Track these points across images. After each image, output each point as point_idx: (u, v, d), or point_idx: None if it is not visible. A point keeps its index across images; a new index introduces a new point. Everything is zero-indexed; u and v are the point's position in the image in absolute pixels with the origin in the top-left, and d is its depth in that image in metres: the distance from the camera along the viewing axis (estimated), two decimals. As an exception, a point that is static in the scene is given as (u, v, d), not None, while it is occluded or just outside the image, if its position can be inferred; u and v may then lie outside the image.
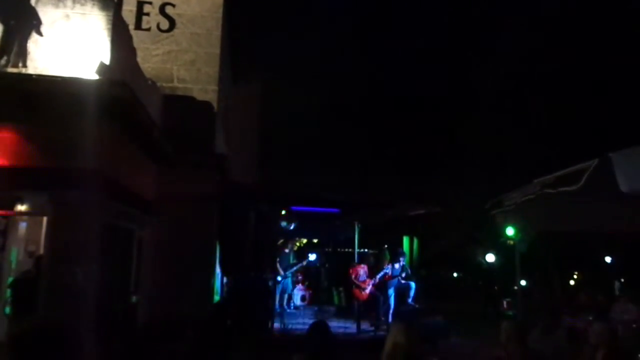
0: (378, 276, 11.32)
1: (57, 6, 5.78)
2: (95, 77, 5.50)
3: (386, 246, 12.19)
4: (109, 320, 5.79)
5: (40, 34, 5.66)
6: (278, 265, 11.58)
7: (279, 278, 11.59)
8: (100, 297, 5.46)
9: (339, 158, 25.04)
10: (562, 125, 21.30)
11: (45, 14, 5.74)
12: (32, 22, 5.64)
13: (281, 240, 12.31)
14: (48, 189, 5.46)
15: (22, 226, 8.01)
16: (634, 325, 7.96)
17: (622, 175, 2.89)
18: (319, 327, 3.58)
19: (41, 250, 6.69)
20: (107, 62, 5.67)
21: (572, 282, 25.35)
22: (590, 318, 8.90)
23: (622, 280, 21.74)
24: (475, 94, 24.65)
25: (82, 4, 5.84)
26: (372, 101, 27.31)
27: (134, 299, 7.41)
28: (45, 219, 6.02)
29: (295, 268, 12.53)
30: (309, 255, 13.35)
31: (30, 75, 5.38)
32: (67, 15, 5.80)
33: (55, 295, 5.22)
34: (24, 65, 5.54)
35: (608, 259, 25.15)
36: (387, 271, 11.34)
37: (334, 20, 28.10)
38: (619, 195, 3.09)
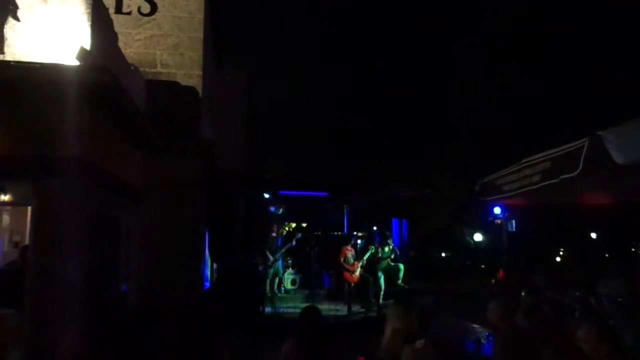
0: (365, 257, 11.43)
1: (33, -10, 5.61)
2: (76, 62, 5.37)
3: (375, 228, 12.24)
4: (98, 309, 5.75)
5: (17, 19, 5.50)
6: (267, 253, 11.54)
7: (269, 263, 11.57)
8: (89, 285, 5.40)
9: (326, 142, 25.04)
10: (542, 104, 21.47)
11: (22, -2, 5.56)
12: (8, 7, 5.47)
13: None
14: (31, 178, 5.36)
15: (6, 216, 7.90)
16: (620, 300, 8.10)
17: (616, 149, 2.99)
18: (310, 312, 3.58)
19: (26, 241, 6.59)
20: (87, 47, 5.54)
21: (558, 259, 25.76)
22: (577, 293, 9.08)
23: (607, 255, 22.13)
24: (459, 76, 24.67)
25: (60, -12, 5.67)
26: (359, 84, 27.22)
27: (123, 287, 7.37)
28: (29, 208, 5.92)
29: (284, 250, 12.50)
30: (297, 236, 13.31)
31: (9, 62, 5.23)
32: (45, 0, 5.63)
33: (42, 286, 5.16)
34: (1, 52, 5.38)
35: (593, 235, 25.58)
36: (373, 251, 11.45)
37: (318, 5, 27.83)
38: (616, 171, 3.17)
